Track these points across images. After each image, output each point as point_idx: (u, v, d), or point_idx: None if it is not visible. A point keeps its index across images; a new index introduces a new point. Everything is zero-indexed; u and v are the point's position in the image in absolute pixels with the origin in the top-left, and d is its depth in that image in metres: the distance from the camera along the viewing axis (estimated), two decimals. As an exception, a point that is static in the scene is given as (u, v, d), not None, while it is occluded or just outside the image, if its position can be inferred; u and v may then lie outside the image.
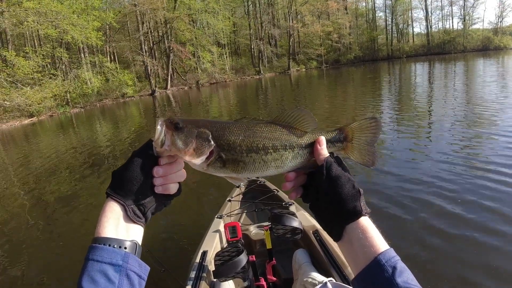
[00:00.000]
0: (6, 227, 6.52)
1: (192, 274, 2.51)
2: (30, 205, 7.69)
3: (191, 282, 2.43)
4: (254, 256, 2.55)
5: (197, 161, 0.90)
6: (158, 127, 0.86)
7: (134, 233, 0.89)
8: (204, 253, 2.75)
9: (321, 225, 0.97)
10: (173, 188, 0.93)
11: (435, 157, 6.95)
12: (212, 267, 2.54)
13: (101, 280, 0.77)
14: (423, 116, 11.11)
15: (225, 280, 2.36)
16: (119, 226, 0.85)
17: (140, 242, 0.90)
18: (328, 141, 1.01)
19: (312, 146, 0.99)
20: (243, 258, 2.28)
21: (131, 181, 0.87)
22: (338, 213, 0.88)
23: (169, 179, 0.92)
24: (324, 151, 0.98)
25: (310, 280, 2.18)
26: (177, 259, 4.24)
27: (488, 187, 5.30)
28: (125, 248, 0.84)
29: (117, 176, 0.88)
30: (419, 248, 4.01)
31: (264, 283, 2.61)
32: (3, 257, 5.29)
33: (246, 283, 2.62)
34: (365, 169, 6.64)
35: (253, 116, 1.12)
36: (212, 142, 0.90)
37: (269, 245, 2.67)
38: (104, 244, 0.81)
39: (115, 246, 0.82)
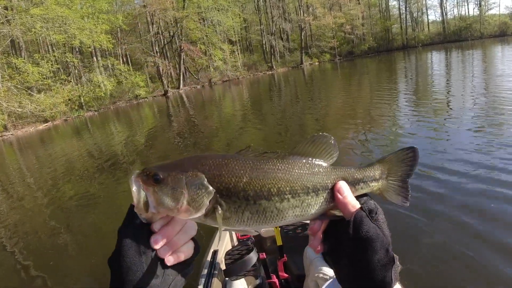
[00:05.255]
0: (25, 231, 6.78)
1: (204, 272, 2.50)
2: (48, 209, 7.82)
3: (203, 281, 2.41)
4: (264, 253, 2.56)
5: (196, 215, 0.71)
6: (133, 188, 0.68)
7: None
8: (215, 252, 2.72)
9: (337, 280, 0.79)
10: (186, 251, 0.74)
11: (455, 150, 6.59)
12: (223, 266, 2.57)
13: None
14: (441, 108, 10.56)
15: (237, 279, 2.37)
16: None
17: None
18: (360, 181, 0.81)
19: None
20: (253, 256, 2.31)
21: (131, 269, 0.68)
22: (360, 281, 0.72)
23: (176, 243, 0.73)
24: (348, 200, 0.76)
25: (321, 275, 2.13)
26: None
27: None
28: None
29: (114, 267, 0.70)
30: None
31: (276, 280, 2.60)
32: (24, 261, 5.48)
33: (258, 281, 2.55)
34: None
35: (262, 148, 0.78)
36: (211, 188, 0.71)
37: (279, 242, 2.65)
38: None
39: None
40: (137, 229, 0.70)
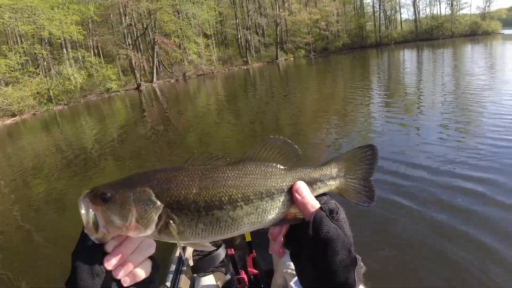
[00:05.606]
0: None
1: (172, 269, 2.51)
2: (15, 206, 7.64)
3: (171, 277, 2.42)
4: (233, 249, 2.58)
5: (148, 232, 0.69)
6: (82, 209, 0.67)
7: None
8: (184, 248, 2.69)
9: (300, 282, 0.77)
10: (143, 270, 0.72)
11: (423, 146, 6.91)
12: (191, 262, 2.60)
13: None
14: (412, 105, 10.93)
15: (205, 275, 2.38)
16: None
17: None
18: (317, 180, 0.79)
19: None
20: (221, 252, 2.29)
21: None
22: (322, 283, 0.70)
23: (131, 263, 0.70)
24: (308, 200, 0.74)
25: (289, 271, 2.17)
26: (156, 254, 4.28)
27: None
28: None
29: None
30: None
31: (244, 275, 2.61)
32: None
33: (227, 277, 2.59)
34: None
35: (209, 152, 0.76)
36: (159, 203, 0.69)
37: (248, 238, 2.65)
38: None
39: None
40: (90, 251, 0.68)
